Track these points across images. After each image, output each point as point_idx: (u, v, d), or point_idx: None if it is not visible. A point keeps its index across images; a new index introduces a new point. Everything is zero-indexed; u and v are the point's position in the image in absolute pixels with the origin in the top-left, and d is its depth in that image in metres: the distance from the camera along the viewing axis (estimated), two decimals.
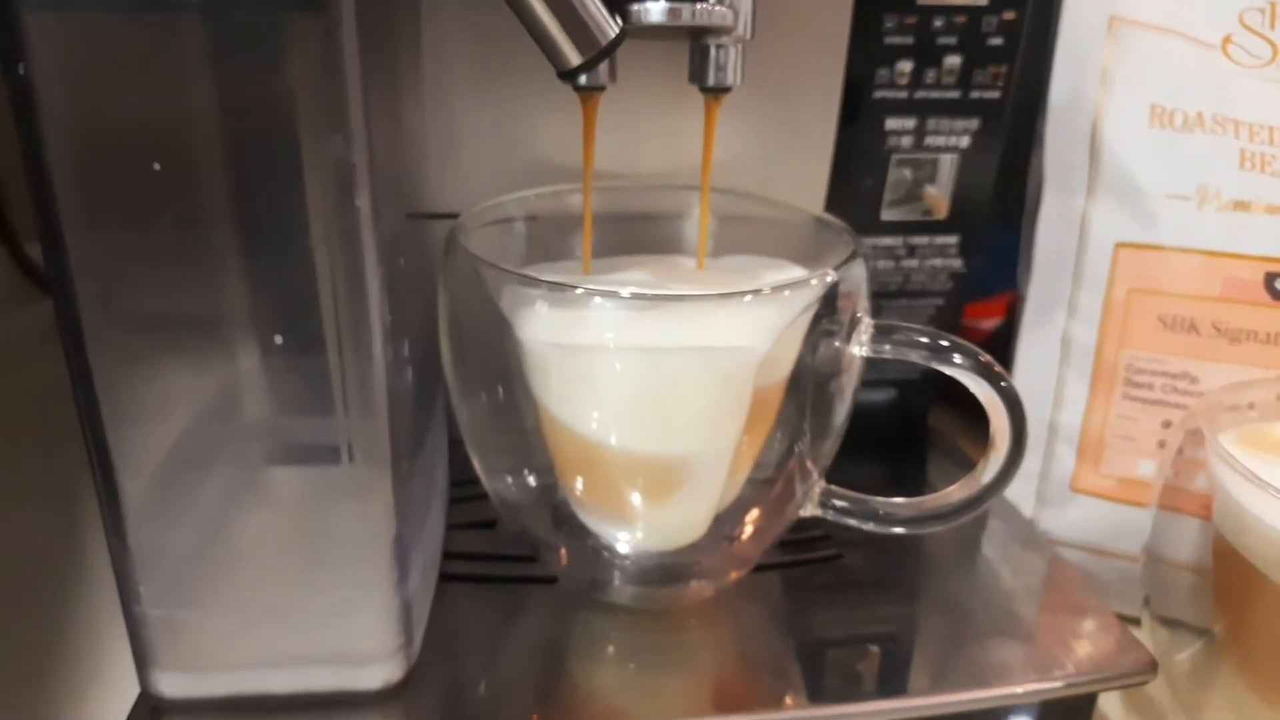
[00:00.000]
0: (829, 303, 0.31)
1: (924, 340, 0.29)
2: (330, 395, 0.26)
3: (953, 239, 0.41)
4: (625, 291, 0.27)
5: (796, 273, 0.33)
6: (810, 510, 0.33)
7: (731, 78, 0.33)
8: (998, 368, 0.29)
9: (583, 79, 0.32)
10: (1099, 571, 0.41)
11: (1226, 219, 0.38)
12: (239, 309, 0.25)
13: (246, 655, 0.28)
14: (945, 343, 0.29)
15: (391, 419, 0.27)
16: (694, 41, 0.33)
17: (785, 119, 0.39)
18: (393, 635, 0.29)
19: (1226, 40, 0.40)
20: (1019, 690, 0.31)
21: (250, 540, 0.27)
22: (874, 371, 0.44)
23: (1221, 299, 0.38)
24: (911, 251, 0.41)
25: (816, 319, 0.31)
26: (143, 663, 0.28)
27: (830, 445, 0.33)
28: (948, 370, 0.29)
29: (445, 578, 0.35)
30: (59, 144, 0.22)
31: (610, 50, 0.27)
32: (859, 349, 0.30)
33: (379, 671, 0.29)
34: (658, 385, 0.28)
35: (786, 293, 0.28)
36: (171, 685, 0.28)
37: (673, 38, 0.33)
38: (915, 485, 0.43)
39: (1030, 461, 0.43)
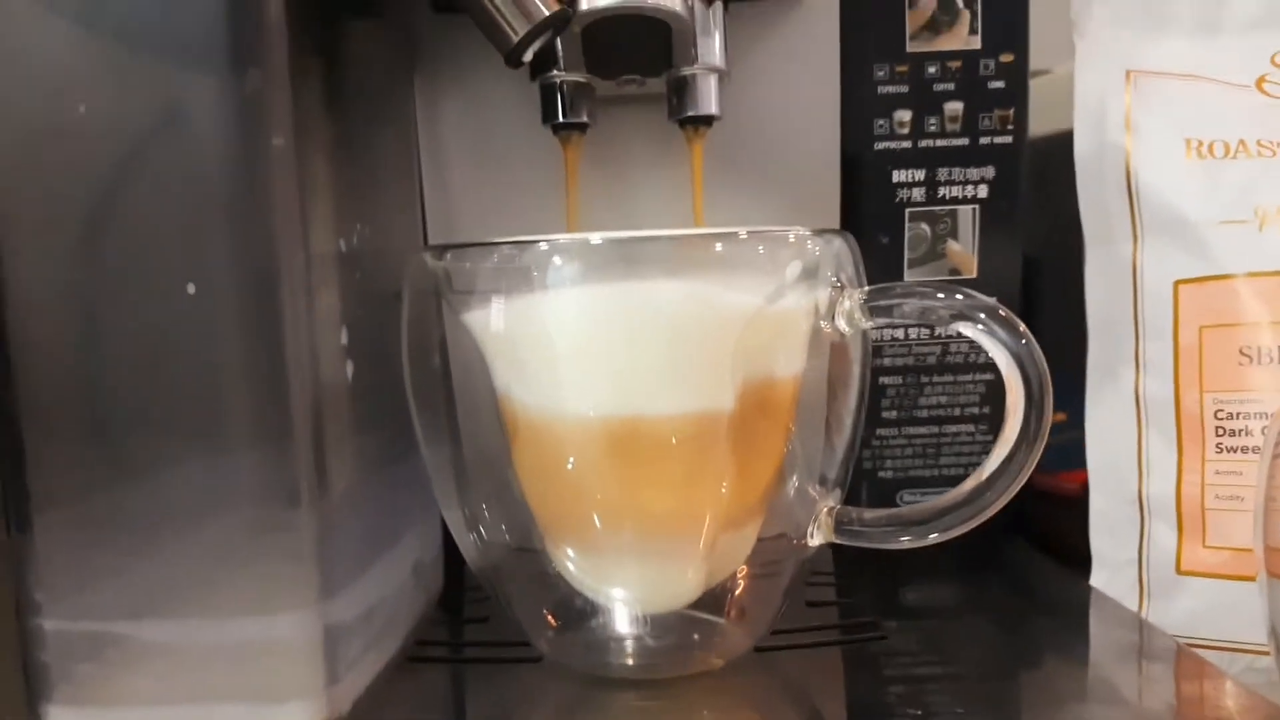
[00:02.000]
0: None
1: (936, 298, 0.25)
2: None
3: (990, 301, 0.38)
4: (595, 237, 0.25)
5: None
6: (820, 538, 0.28)
7: (706, 106, 0.33)
8: (1021, 327, 0.25)
9: (560, 117, 0.33)
10: (1234, 675, 0.32)
11: None
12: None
13: (149, 686, 0.24)
14: (959, 296, 0.25)
15: (315, 398, 0.25)
16: (668, 78, 0.33)
17: (784, 176, 0.38)
18: (313, 664, 0.25)
19: (1260, 80, 0.37)
20: None
21: (157, 533, 0.24)
22: (929, 466, 0.40)
23: None
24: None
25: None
26: (35, 695, 0.25)
27: (838, 457, 0.28)
28: (965, 329, 0.25)
29: (415, 660, 0.31)
30: None
31: (549, 25, 0.27)
32: (846, 324, 0.26)
33: (297, 711, 0.24)
34: (628, 323, 0.25)
35: (761, 248, 0.26)
36: None
37: (645, 72, 0.33)
38: (1001, 603, 0.36)
39: (1124, 548, 0.36)
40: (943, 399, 0.39)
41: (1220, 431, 0.34)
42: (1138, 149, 0.37)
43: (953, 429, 0.39)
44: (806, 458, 0.29)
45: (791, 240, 0.26)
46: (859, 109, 0.37)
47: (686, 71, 0.32)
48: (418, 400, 0.30)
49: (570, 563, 0.29)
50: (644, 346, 0.25)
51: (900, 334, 0.38)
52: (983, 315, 0.25)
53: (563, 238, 0.25)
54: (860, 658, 0.31)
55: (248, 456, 0.24)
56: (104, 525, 0.24)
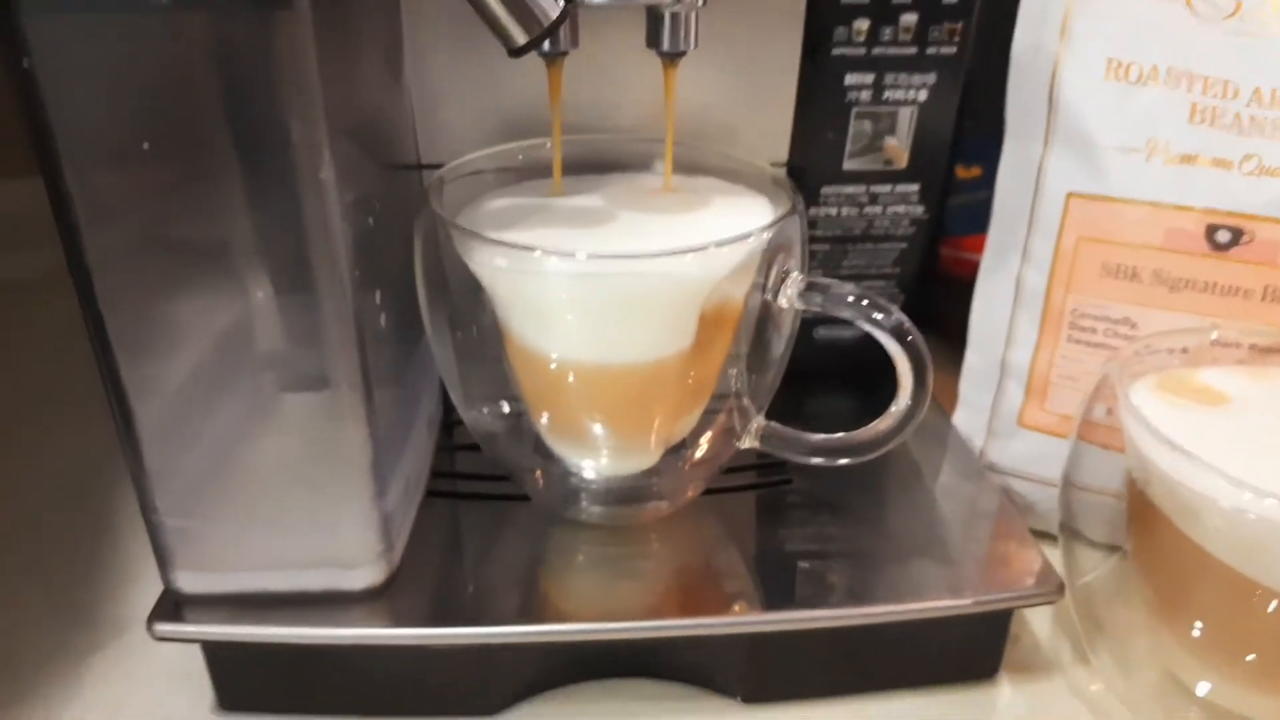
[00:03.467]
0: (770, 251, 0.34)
1: (850, 299, 0.32)
2: (314, 334, 0.30)
3: (913, 187, 0.43)
4: (581, 254, 0.30)
5: (751, 202, 0.36)
6: (749, 443, 0.37)
7: (686, 43, 0.35)
8: (908, 324, 0.32)
9: (545, 46, 0.35)
10: (1040, 500, 0.44)
11: (1172, 171, 0.39)
12: (235, 256, 0.28)
13: (249, 559, 0.33)
14: (865, 301, 0.32)
15: (363, 356, 0.31)
16: (650, 10, 0.35)
17: (748, 75, 0.41)
18: (374, 543, 0.33)
19: None
20: (935, 605, 0.35)
21: (249, 459, 0.32)
22: None
23: (1164, 249, 0.40)
24: (874, 199, 0.44)
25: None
26: (163, 563, 0.33)
27: (766, 385, 0.36)
28: (866, 327, 0.32)
29: (432, 494, 0.40)
30: (64, 128, 0.26)
31: (554, 28, 0.29)
32: (785, 302, 0.33)
33: (363, 574, 0.34)
34: (609, 302, 0.31)
35: (725, 250, 0.31)
36: (188, 582, 0.33)
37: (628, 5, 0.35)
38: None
39: (983, 395, 0.45)
40: (861, 261, 0.46)
41: (1074, 326, 0.42)
42: (1066, 59, 0.41)
43: (868, 284, 0.47)
44: (745, 368, 0.37)
45: (752, 242, 0.32)
46: (822, 17, 0.39)
47: (669, 8, 0.34)
48: (433, 320, 0.36)
49: (552, 440, 0.37)
50: (620, 313, 0.32)
51: (833, 212, 0.44)
52: (878, 316, 0.32)
53: (554, 253, 0.30)
54: (775, 504, 0.40)
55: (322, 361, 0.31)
56: (200, 442, 0.31)
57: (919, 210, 0.44)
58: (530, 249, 0.30)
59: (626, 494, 0.38)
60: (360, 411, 0.31)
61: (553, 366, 0.33)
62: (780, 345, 0.35)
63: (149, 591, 0.34)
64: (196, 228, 0.28)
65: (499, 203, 0.35)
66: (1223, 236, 0.39)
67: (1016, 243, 0.43)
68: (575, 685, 0.37)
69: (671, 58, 0.35)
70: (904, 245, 0.45)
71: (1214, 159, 0.39)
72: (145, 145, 0.26)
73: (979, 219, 0.45)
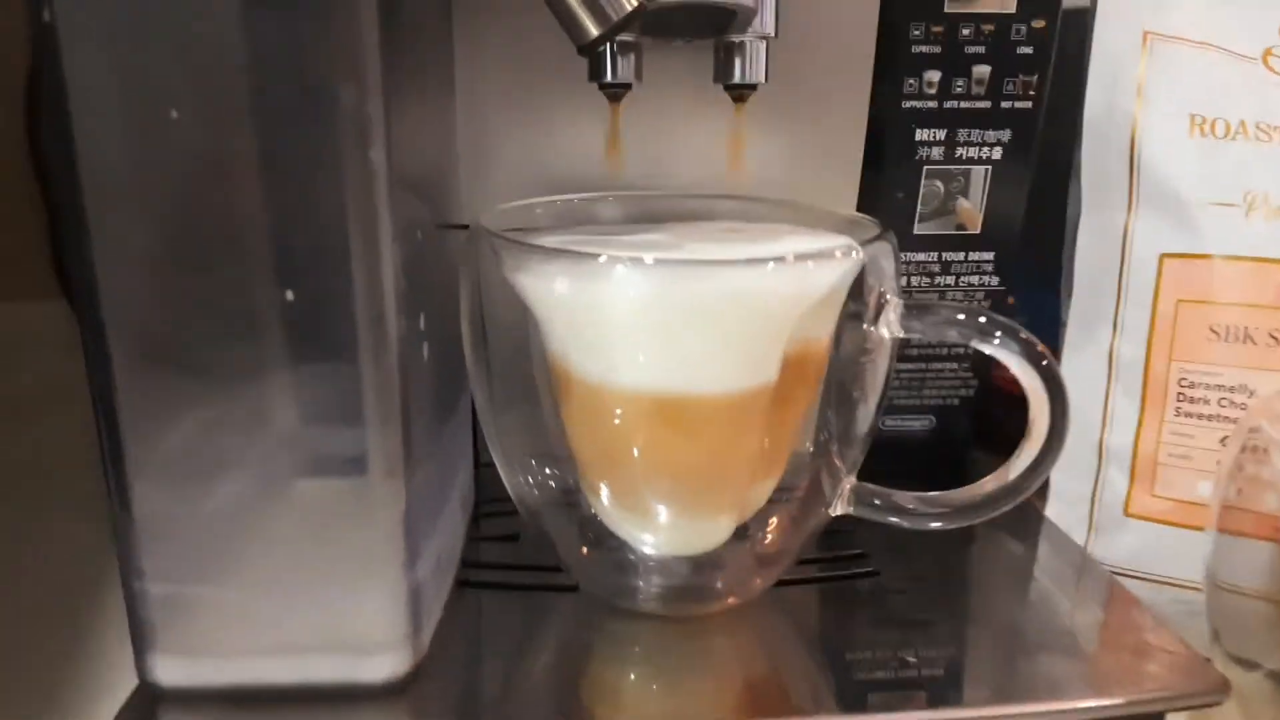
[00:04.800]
0: (858, 290, 0.30)
1: (960, 317, 0.28)
2: (339, 353, 0.26)
3: (988, 255, 0.40)
4: (649, 258, 0.26)
5: (833, 238, 0.32)
6: (840, 509, 0.32)
7: (756, 74, 0.33)
8: (1040, 346, 0.28)
9: (608, 76, 0.33)
10: (1159, 603, 0.38)
11: (1276, 226, 0.36)
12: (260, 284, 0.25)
13: (249, 641, 0.27)
14: (983, 319, 0.28)
15: (402, 389, 0.26)
16: (718, 41, 0.33)
17: (813, 131, 0.39)
18: (400, 622, 0.28)
19: (1267, 53, 0.39)
20: (1075, 706, 0.29)
21: (255, 514, 0.26)
22: (912, 396, 0.43)
23: (1276, 306, 0.36)
24: (946, 268, 0.41)
25: (846, 307, 0.30)
26: (140, 648, 0.27)
27: (861, 438, 0.31)
28: (986, 348, 0.28)
29: (463, 584, 0.34)
30: (80, 90, 0.23)
31: (628, 23, 0.27)
32: (886, 330, 0.29)
33: (385, 662, 0.28)
34: (676, 310, 0.27)
35: (810, 264, 0.27)
36: (169, 672, 0.27)
37: (696, 35, 0.33)
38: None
39: (1080, 485, 0.40)
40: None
41: (1181, 398, 0.38)
42: (1145, 118, 0.39)
43: (937, 365, 0.43)
44: (831, 425, 0.33)
45: (839, 256, 0.28)
46: (891, 67, 0.37)
47: (738, 38, 0.32)
48: (476, 363, 0.32)
49: (608, 509, 0.32)
50: (700, 328, 0.27)
51: (903, 280, 0.41)
52: (999, 335, 0.27)
53: (623, 256, 0.26)
54: (853, 594, 0.35)
55: (340, 435, 0.26)
56: (197, 501, 0.26)
57: (994, 281, 0.41)
58: (594, 254, 0.26)
59: (690, 579, 0.33)
60: (397, 453, 0.26)
61: (615, 405, 0.28)
62: (875, 390, 0.31)
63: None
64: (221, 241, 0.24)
65: (554, 237, 0.32)
66: None
67: (1105, 314, 0.40)
68: None
69: (740, 91, 0.33)
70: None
71: None
72: (173, 113, 0.23)
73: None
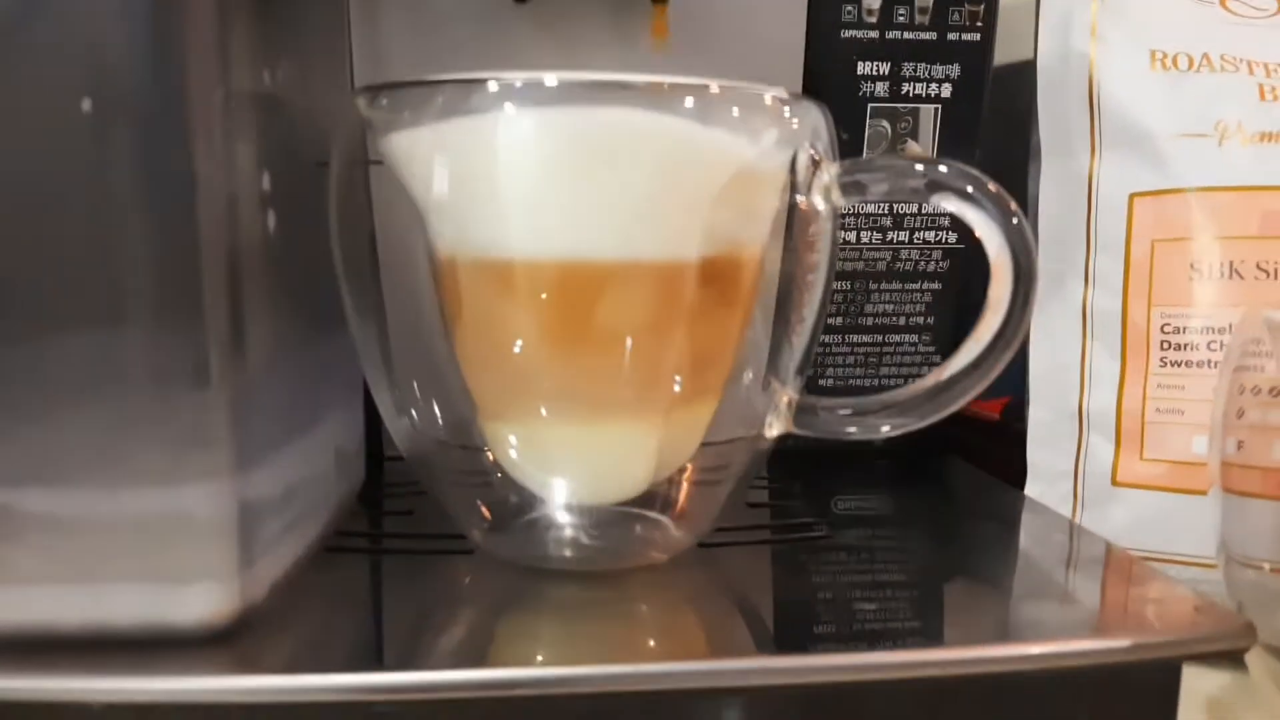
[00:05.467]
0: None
1: (918, 167, 0.24)
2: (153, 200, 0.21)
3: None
4: (549, 78, 0.22)
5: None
6: (779, 427, 0.27)
7: None
8: (1012, 204, 0.24)
9: None
10: None
11: (1255, 151, 0.33)
12: None
13: (36, 565, 0.21)
14: (944, 168, 0.24)
15: (230, 259, 0.22)
16: None
17: (742, 66, 0.35)
18: (226, 541, 0.22)
19: None
20: (1075, 648, 0.23)
21: (41, 384, 0.21)
22: (869, 375, 0.39)
23: (1261, 236, 0.33)
24: (899, 222, 0.37)
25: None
26: None
27: (802, 346, 0.27)
28: (948, 204, 0.24)
29: (335, 550, 0.28)
30: None
31: None
32: (821, 198, 0.25)
33: (201, 598, 0.22)
34: (577, 152, 0.22)
35: (735, 109, 0.23)
36: None
37: None
38: (937, 510, 0.36)
39: (1060, 460, 0.36)
40: (888, 306, 0.38)
41: (1165, 345, 0.34)
42: (1102, 59, 0.36)
43: (896, 338, 0.39)
44: (765, 350, 0.28)
45: (769, 102, 0.24)
46: None
47: None
48: (347, 271, 0.27)
49: (511, 448, 0.27)
50: (610, 178, 0.23)
51: (851, 237, 0.37)
52: (970, 188, 0.23)
53: (516, 76, 0.22)
54: (802, 556, 0.30)
55: (153, 319, 0.21)
56: None
57: (951, 238, 0.37)
58: (482, 80, 0.22)
59: (606, 528, 0.27)
60: (224, 331, 0.21)
61: (513, 284, 0.24)
62: (817, 286, 0.26)
63: None
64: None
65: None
66: None
67: (1073, 266, 0.36)
68: None
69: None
70: (936, 287, 0.38)
71: None
72: None
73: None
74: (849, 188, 0.25)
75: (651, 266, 0.24)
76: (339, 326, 0.28)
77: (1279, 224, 0.32)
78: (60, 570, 0.21)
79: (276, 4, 0.25)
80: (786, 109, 0.25)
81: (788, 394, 0.27)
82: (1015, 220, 0.23)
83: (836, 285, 0.37)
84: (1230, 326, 0.32)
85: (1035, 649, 0.23)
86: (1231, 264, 0.33)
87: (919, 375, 0.39)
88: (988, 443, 0.41)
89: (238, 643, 0.22)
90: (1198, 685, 0.31)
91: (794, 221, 0.26)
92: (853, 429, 0.26)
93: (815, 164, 0.25)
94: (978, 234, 0.24)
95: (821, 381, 0.39)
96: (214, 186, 0.21)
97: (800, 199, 0.25)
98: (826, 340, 0.38)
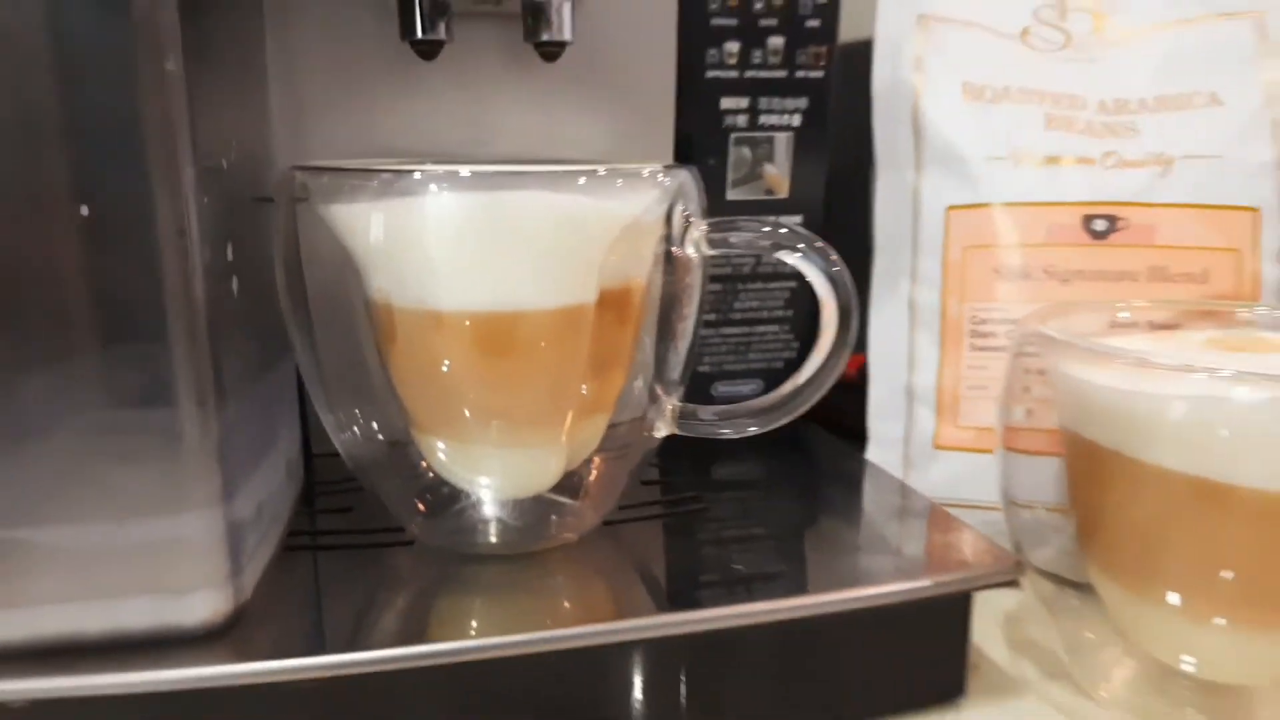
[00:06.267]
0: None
1: (765, 229, 0.30)
2: (141, 274, 0.25)
3: (797, 218, 0.43)
4: (464, 170, 0.27)
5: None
6: (665, 429, 0.33)
7: (562, 33, 0.35)
8: (834, 254, 0.30)
9: (419, 34, 0.34)
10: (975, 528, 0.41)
11: (1041, 173, 0.41)
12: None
13: (49, 587, 0.26)
14: (784, 230, 0.30)
15: (209, 316, 0.26)
16: (525, 3, 0.35)
17: (626, 105, 0.41)
18: (219, 558, 0.27)
19: (1024, 32, 0.44)
20: (887, 590, 0.30)
21: (61, 450, 0.25)
22: (740, 361, 0.45)
23: (1048, 244, 0.40)
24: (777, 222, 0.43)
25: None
26: None
27: (680, 363, 0.33)
28: (787, 258, 0.30)
29: (292, 549, 0.33)
30: None
31: None
32: (693, 249, 0.31)
33: (204, 601, 0.27)
34: (493, 228, 0.28)
35: (619, 181, 0.29)
36: None
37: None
38: (796, 476, 0.43)
39: (894, 428, 0.43)
40: (754, 303, 0.45)
41: (974, 334, 0.41)
42: (925, 88, 0.43)
43: (761, 329, 0.45)
44: (652, 361, 0.34)
45: (646, 175, 0.30)
46: (694, 40, 0.40)
47: None
48: (292, 309, 0.32)
49: (441, 454, 0.32)
50: (517, 241, 0.28)
51: None
52: (802, 245, 0.30)
53: (438, 169, 0.27)
54: (687, 525, 0.36)
55: (147, 361, 0.25)
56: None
57: None
58: (409, 170, 0.27)
59: (525, 518, 0.33)
60: (207, 382, 0.26)
61: (438, 330, 0.29)
62: (691, 315, 0.32)
63: None
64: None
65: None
66: (1099, 225, 0.40)
67: (903, 267, 0.43)
68: None
69: (548, 49, 0.35)
70: (794, 285, 0.44)
71: (1078, 157, 0.41)
72: None
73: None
74: (715, 242, 0.30)
75: (556, 312, 0.29)
76: (280, 354, 0.33)
77: (1061, 234, 0.40)
78: (81, 590, 0.26)
79: (223, 86, 0.29)
80: (661, 177, 0.30)
81: (671, 402, 0.33)
82: (836, 267, 0.30)
83: (712, 286, 0.44)
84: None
85: (864, 592, 0.30)
86: (1025, 267, 0.40)
87: (782, 358, 0.46)
88: (845, 399, 0.48)
89: (233, 637, 0.27)
90: (998, 602, 0.39)
91: (671, 261, 0.32)
92: (726, 430, 0.32)
93: (688, 221, 0.31)
94: (809, 279, 0.30)
95: (701, 368, 0.45)
96: (194, 252, 0.26)
97: (675, 249, 0.31)
98: (705, 333, 0.44)
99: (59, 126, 0.23)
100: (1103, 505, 0.32)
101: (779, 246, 0.30)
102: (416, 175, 0.27)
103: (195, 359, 0.26)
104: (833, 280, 0.30)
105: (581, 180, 0.28)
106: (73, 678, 0.25)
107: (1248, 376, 0.27)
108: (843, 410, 0.47)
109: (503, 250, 0.28)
